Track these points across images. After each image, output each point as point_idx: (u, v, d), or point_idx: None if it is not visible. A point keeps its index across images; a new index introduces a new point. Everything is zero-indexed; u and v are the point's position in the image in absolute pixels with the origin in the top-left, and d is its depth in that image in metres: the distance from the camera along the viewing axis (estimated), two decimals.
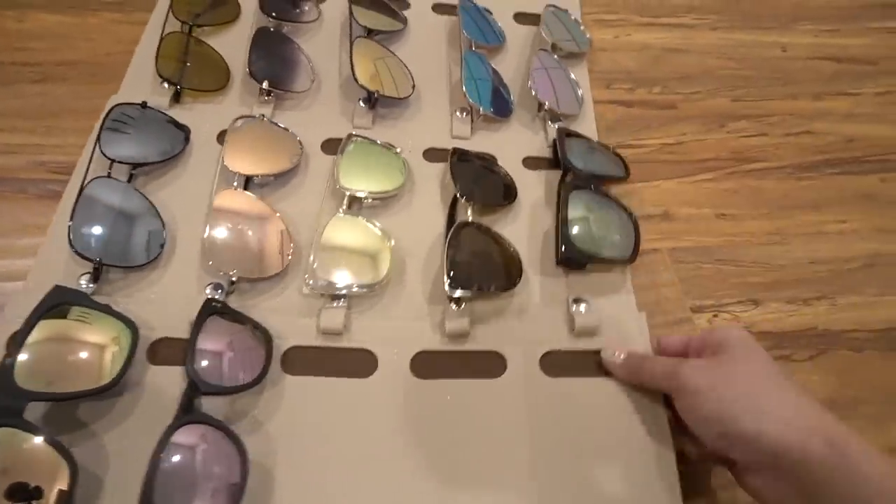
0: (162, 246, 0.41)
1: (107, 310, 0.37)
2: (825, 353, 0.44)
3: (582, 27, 0.60)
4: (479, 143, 0.50)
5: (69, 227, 0.39)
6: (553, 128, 0.51)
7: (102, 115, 0.45)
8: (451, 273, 0.40)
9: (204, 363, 0.36)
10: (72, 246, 0.39)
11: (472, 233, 0.43)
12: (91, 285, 0.39)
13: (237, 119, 0.47)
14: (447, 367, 0.39)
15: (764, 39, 0.65)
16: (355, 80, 0.49)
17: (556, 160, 0.49)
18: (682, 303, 0.45)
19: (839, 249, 0.50)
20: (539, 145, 0.51)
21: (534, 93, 0.52)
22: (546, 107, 0.52)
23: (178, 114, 0.48)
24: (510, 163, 0.50)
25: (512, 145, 0.51)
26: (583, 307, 0.42)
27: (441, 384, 0.38)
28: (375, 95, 0.49)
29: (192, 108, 0.49)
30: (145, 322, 0.38)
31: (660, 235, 0.49)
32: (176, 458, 0.32)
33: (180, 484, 0.32)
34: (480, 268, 0.42)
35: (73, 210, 0.40)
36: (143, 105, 0.47)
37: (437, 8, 0.60)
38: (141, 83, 0.50)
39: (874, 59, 0.64)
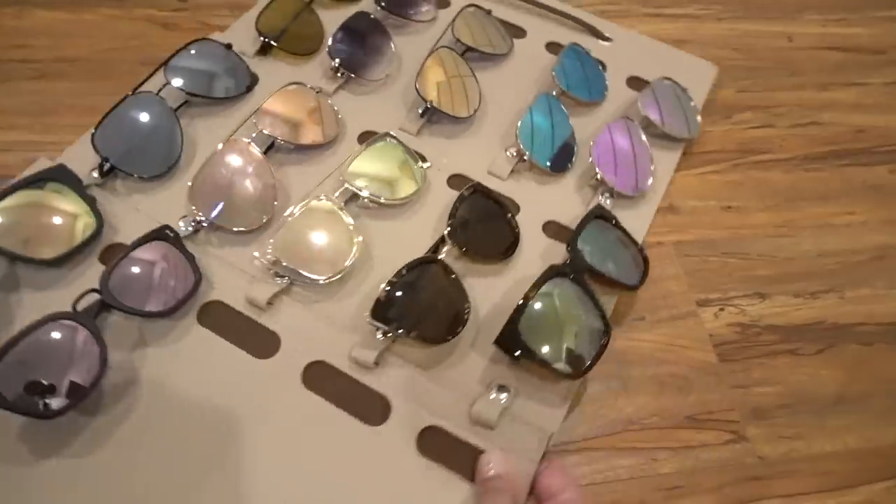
0: (170, 168, 0.44)
1: (89, 201, 0.40)
2: (833, 346, 0.43)
3: (699, 116, 0.53)
4: (513, 188, 0.47)
5: (100, 121, 0.43)
6: (603, 200, 0.47)
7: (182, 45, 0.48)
8: (377, 303, 0.37)
9: (121, 278, 0.37)
10: (92, 137, 0.42)
11: (432, 272, 0.40)
12: (97, 177, 0.42)
13: (292, 83, 0.48)
14: (336, 389, 0.37)
15: (770, 29, 0.64)
16: (416, 90, 0.49)
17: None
18: (687, 296, 0.45)
19: (848, 242, 0.49)
20: (575, 214, 0.45)
21: (591, 158, 0.47)
22: (598, 176, 0.47)
23: (256, 64, 0.51)
24: (532, 221, 0.46)
25: (546, 203, 0.47)
26: (501, 396, 0.37)
27: (317, 402, 0.36)
28: (429, 106, 0.49)
29: (271, 63, 0.52)
30: (119, 229, 0.41)
31: (665, 228, 0.48)
32: (35, 343, 0.33)
33: (22, 368, 0.32)
34: (415, 310, 0.38)
35: (111, 110, 0.43)
36: (228, 46, 0.50)
37: (551, 46, 0.58)
38: (244, 30, 0.53)
39: (882, 49, 0.63)
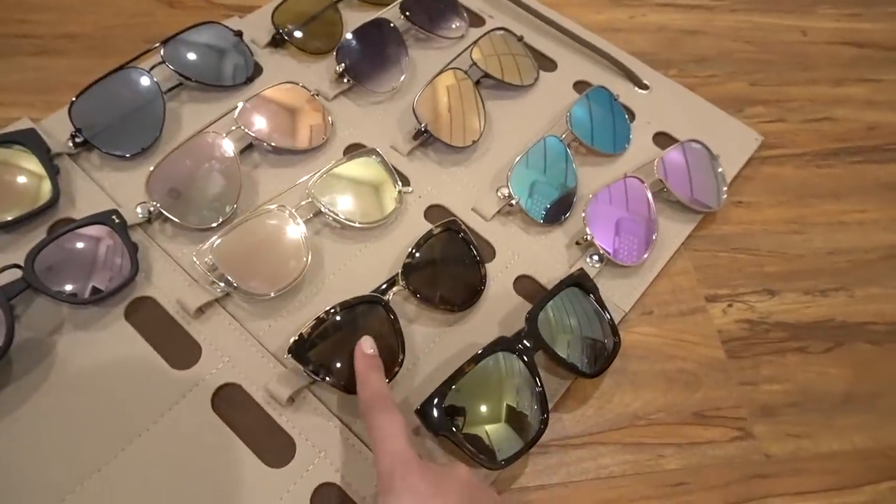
0: (144, 150, 0.43)
1: (51, 171, 0.40)
2: (842, 345, 0.43)
3: (725, 188, 0.48)
4: (494, 232, 0.44)
5: (82, 91, 0.42)
6: (590, 264, 0.42)
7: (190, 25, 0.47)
8: (299, 339, 0.34)
9: (50, 258, 0.36)
10: (69, 107, 0.42)
11: (371, 314, 0.36)
12: (70, 146, 0.42)
13: (287, 81, 0.46)
14: (245, 419, 0.35)
15: (783, 23, 0.63)
16: (413, 111, 0.45)
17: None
18: (696, 292, 0.44)
19: (859, 240, 0.48)
20: (555, 273, 0.42)
21: (583, 216, 0.43)
22: (588, 238, 0.42)
23: (265, 56, 0.50)
24: (504, 271, 0.42)
25: (526, 254, 0.43)
26: None
27: (219, 427, 0.34)
28: (423, 129, 0.45)
29: (280, 57, 0.50)
30: (77, 204, 0.41)
31: None
32: None
33: None
34: (340, 355, 0.35)
35: (95, 81, 0.43)
36: (238, 34, 0.49)
37: (580, 85, 0.53)
38: (261, 20, 0.51)
39: None
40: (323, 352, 0.35)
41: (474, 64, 0.50)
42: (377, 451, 0.30)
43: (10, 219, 0.38)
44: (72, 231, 0.37)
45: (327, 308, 0.36)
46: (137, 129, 0.44)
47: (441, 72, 0.48)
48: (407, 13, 0.52)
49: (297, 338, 0.34)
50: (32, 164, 0.40)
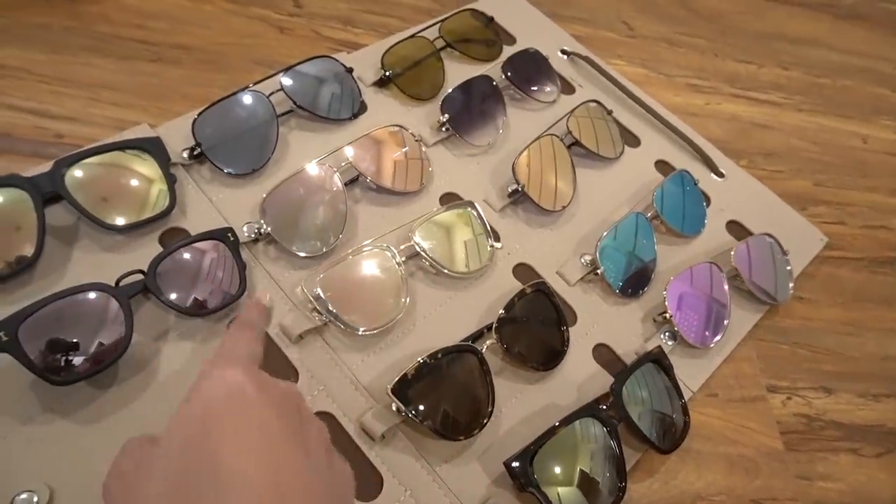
0: (255, 170, 0.45)
1: (170, 180, 0.41)
2: (893, 452, 0.45)
3: (791, 283, 0.50)
4: (576, 297, 0.45)
5: (207, 106, 0.44)
6: (664, 341, 0.44)
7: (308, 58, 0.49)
8: (402, 378, 0.36)
9: (170, 267, 0.37)
10: (193, 121, 0.44)
11: (467, 363, 0.38)
12: (185, 157, 0.44)
13: (395, 124, 0.48)
14: (337, 450, 0.34)
15: (845, 128, 0.67)
16: (513, 171, 0.48)
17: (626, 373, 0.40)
18: (758, 380, 0.46)
19: None
20: (631, 346, 0.44)
21: (664, 293, 0.45)
22: (667, 315, 0.45)
23: (371, 94, 0.52)
24: (585, 337, 0.44)
25: (605, 323, 0.45)
26: None
27: None
28: (519, 188, 0.48)
29: (384, 97, 0.52)
30: (188, 214, 0.42)
31: None
32: (69, 307, 0.34)
33: (52, 327, 0.33)
34: (437, 399, 0.36)
35: (220, 99, 0.45)
36: (349, 70, 0.51)
37: (661, 165, 0.56)
38: (369, 59, 0.53)
39: None
40: (421, 393, 0.36)
41: (570, 132, 0.52)
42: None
43: (129, 222, 0.39)
44: (191, 244, 0.38)
45: (430, 352, 0.37)
46: (251, 149, 0.45)
47: (540, 136, 0.51)
48: (508, 73, 0.55)
49: (400, 377, 0.36)
50: (153, 171, 0.41)
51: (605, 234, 0.47)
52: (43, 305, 0.33)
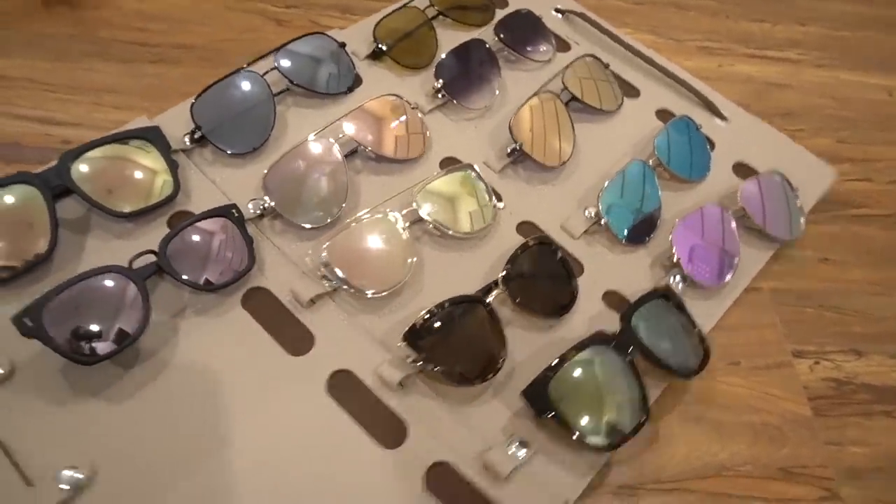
0: (255, 149, 0.45)
1: (172, 166, 0.42)
2: None
3: (803, 219, 0.49)
4: (582, 249, 0.46)
5: (203, 90, 0.45)
6: (674, 283, 0.44)
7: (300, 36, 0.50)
8: (412, 328, 0.37)
9: (179, 246, 0.38)
10: (192, 106, 0.44)
11: (475, 313, 0.39)
12: (187, 142, 0.44)
13: (390, 94, 0.48)
14: (359, 403, 0.37)
15: (868, 81, 0.64)
16: (510, 130, 0.48)
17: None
18: (782, 346, 0.45)
19: None
20: (641, 289, 0.43)
21: (671, 238, 0.45)
22: (675, 259, 0.44)
23: (365, 67, 0.52)
24: (593, 286, 0.44)
25: (612, 272, 0.45)
26: (519, 451, 0.36)
27: (335, 411, 0.36)
28: (518, 147, 0.48)
29: (379, 69, 0.53)
30: (192, 197, 0.43)
31: (762, 275, 0.48)
32: (87, 290, 0.35)
33: (74, 309, 0.34)
34: (447, 346, 0.37)
35: (215, 82, 0.45)
36: (341, 45, 0.51)
37: (662, 113, 0.55)
38: (361, 34, 0.54)
39: None
40: (433, 342, 0.37)
41: (566, 88, 0.52)
42: None
43: (137, 209, 0.41)
44: (197, 221, 0.39)
45: (438, 303, 0.38)
46: (250, 129, 0.46)
47: (535, 94, 0.50)
48: (501, 35, 0.55)
49: (411, 327, 0.37)
50: (155, 159, 0.42)
51: (606, 184, 0.47)
52: (62, 290, 0.34)
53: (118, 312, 0.35)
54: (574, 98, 0.52)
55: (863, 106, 0.61)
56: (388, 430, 0.36)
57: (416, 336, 0.37)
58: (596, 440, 0.36)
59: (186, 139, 0.45)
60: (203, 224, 0.39)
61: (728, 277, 0.45)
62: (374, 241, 0.42)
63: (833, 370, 0.44)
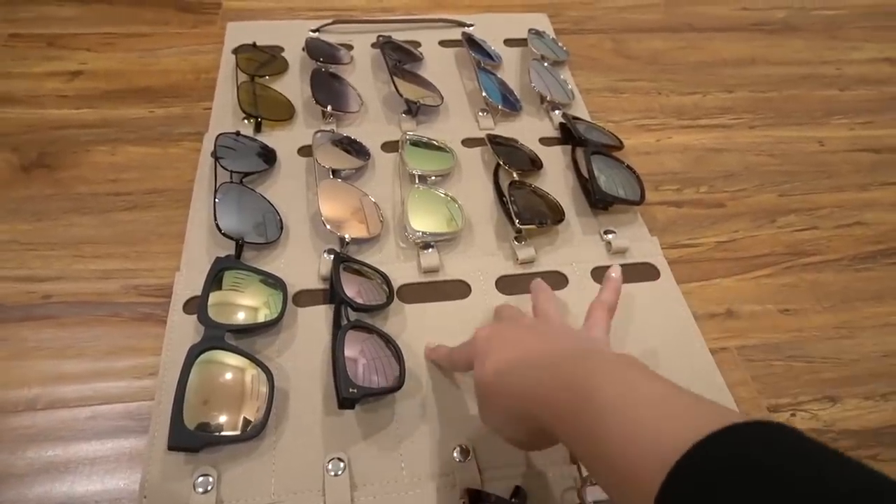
0: (281, 227, 0.53)
1: (257, 270, 0.49)
2: None
3: (560, 43, 0.76)
4: (501, 131, 0.64)
5: (215, 213, 0.50)
6: (556, 115, 0.66)
7: (212, 142, 0.58)
8: (517, 213, 0.52)
9: (350, 292, 0.47)
10: (219, 229, 0.50)
11: (521, 187, 0.56)
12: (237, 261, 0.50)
13: (317, 132, 0.59)
14: (522, 285, 0.49)
15: (801, 135, 0.68)
16: (401, 95, 0.62)
17: (564, 138, 0.64)
18: (757, 402, 0.45)
19: None
20: (547, 129, 0.65)
21: (536, 89, 0.66)
22: (548, 99, 0.66)
23: (262, 139, 0.61)
24: (529, 143, 0.63)
25: (527, 131, 0.64)
26: (612, 236, 0.54)
27: (521, 298, 0.48)
28: (418, 105, 0.63)
29: (271, 134, 0.62)
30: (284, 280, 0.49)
31: (726, 334, 0.49)
32: (350, 352, 0.42)
33: (357, 368, 0.42)
34: (535, 209, 0.54)
35: (214, 205, 0.51)
36: (237, 133, 0.60)
37: (444, 43, 0.75)
38: (223, 123, 0.63)
39: None
40: (531, 212, 0.57)
41: (395, 61, 0.69)
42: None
43: (280, 311, 0.47)
44: (338, 276, 0.47)
45: (507, 196, 0.54)
46: (263, 218, 0.53)
47: (393, 74, 0.66)
48: (320, 59, 0.68)
49: (516, 215, 0.53)
50: (241, 276, 0.49)
51: (480, 85, 0.66)
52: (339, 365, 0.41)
53: (380, 354, 0.44)
54: (402, 63, 0.69)
55: (799, 158, 0.65)
56: (553, 283, 0.51)
57: (522, 213, 0.52)
58: (632, 197, 0.58)
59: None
60: (343, 275, 0.48)
61: (569, 88, 0.68)
62: (430, 206, 0.54)
63: (811, 420, 0.45)
